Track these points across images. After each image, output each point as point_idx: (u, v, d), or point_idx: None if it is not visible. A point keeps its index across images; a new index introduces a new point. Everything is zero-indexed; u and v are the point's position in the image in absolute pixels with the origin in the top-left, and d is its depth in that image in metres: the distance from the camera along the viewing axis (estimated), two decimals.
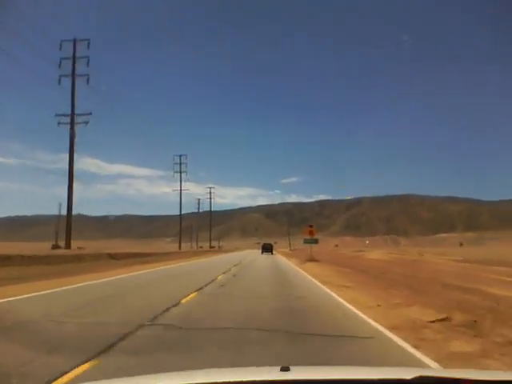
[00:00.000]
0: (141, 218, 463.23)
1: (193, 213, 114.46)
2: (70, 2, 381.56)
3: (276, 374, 2.19)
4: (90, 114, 42.28)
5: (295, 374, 2.24)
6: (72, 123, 41.14)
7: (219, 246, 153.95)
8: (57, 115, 42.47)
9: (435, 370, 4.61)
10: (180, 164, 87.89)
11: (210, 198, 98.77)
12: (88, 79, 42.51)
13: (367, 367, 3.65)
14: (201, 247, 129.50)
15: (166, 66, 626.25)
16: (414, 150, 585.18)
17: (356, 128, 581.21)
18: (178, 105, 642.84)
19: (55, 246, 74.12)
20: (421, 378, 2.03)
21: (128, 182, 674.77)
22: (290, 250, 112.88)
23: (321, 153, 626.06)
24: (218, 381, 2.13)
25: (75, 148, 42.46)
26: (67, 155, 42.75)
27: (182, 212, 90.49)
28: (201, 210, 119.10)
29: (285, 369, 2.25)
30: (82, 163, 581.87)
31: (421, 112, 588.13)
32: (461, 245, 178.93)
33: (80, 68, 42.39)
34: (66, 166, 43.41)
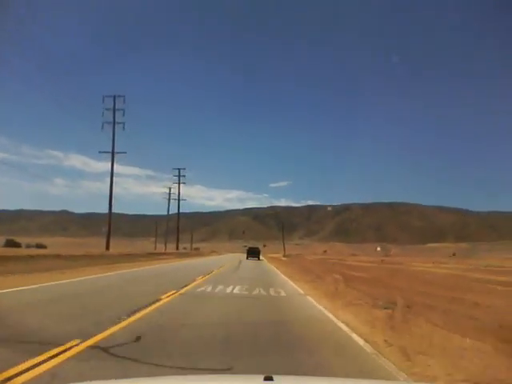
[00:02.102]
0: (127, 217, 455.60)
1: (180, 213, 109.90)
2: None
3: (259, 383, 2.10)
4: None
5: (278, 383, 2.13)
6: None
7: (195, 248, 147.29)
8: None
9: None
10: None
11: (179, 199, 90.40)
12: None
13: (354, 379, 3.75)
14: (184, 248, 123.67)
15: (156, 69, 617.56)
16: (403, 157, 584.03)
17: (346, 134, 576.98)
18: (166, 106, 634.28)
19: (38, 246, 67.23)
20: None
21: (115, 181, 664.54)
22: (284, 255, 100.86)
23: (310, 158, 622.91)
24: None
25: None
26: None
27: (170, 212, 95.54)
28: (188, 211, 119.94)
29: (268, 378, 2.16)
30: (69, 160, 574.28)
31: (412, 120, 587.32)
32: (453, 255, 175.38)
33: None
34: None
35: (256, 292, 15.32)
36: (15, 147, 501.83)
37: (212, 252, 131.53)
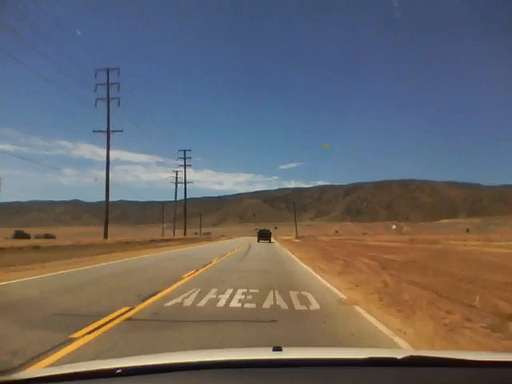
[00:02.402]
0: (137, 204, 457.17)
1: (189, 198, 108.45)
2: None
3: (269, 354, 2.23)
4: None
5: (287, 353, 2.30)
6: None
7: (206, 233, 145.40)
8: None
9: (425, 350, 3.70)
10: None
11: (185, 182, 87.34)
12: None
13: (357, 348, 4.07)
14: (196, 233, 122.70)
15: (166, 57, 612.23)
16: (413, 134, 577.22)
17: (355, 114, 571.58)
18: (176, 92, 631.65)
19: (46, 236, 66.90)
20: (411, 357, 2.06)
21: (125, 169, 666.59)
22: (297, 237, 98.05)
23: (320, 139, 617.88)
24: (210, 360, 2.16)
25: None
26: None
27: (179, 198, 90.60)
28: (198, 196, 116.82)
29: (277, 349, 2.29)
30: (79, 149, 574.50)
31: (421, 97, 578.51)
32: (467, 231, 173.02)
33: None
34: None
35: (269, 303, 8.82)
36: (25, 139, 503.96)
37: (221, 236, 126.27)
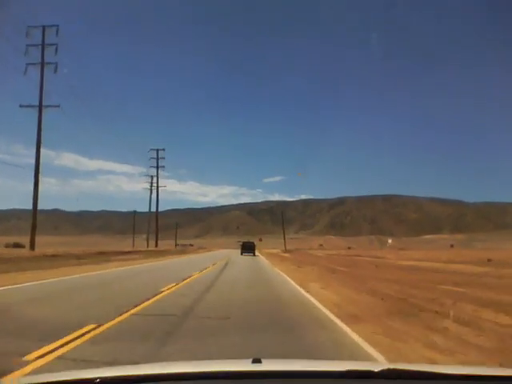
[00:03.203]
0: (120, 214, 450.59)
1: (172, 210, 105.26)
2: None
3: (248, 366, 2.22)
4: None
5: (267, 365, 2.28)
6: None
7: (190, 244, 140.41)
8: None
9: (402, 364, 3.27)
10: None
11: (157, 186, 78.43)
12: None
13: (336, 361, 4.08)
14: (177, 245, 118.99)
15: (148, 64, 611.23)
16: (398, 150, 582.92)
17: (339, 128, 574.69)
18: (160, 102, 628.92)
19: (15, 245, 64.13)
20: (389, 370, 2.05)
21: (108, 178, 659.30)
22: (285, 250, 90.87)
23: (303, 152, 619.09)
24: (189, 371, 2.17)
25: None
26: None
27: (162, 209, 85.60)
28: (183, 207, 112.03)
29: (256, 361, 2.27)
30: (61, 158, 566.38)
31: (407, 112, 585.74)
32: (451, 246, 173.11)
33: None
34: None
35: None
36: (7, 146, 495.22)
37: (199, 249, 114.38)
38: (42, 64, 38.54)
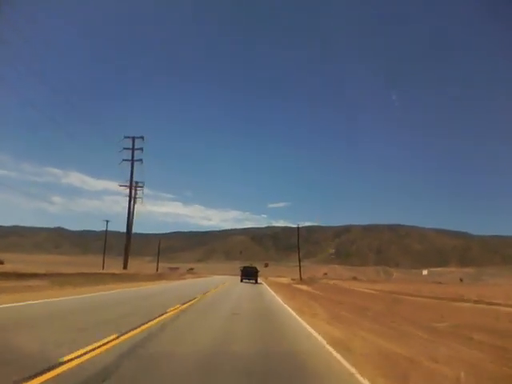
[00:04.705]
0: (121, 235, 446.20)
1: (174, 232, 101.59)
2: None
3: None
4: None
5: None
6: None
7: (190, 269, 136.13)
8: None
9: None
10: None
11: (130, 186, 66.04)
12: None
13: None
14: (171, 268, 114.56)
15: (154, 93, 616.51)
16: (403, 179, 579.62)
17: (346, 156, 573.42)
18: (165, 122, 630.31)
19: None
20: None
21: (113, 199, 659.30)
22: (301, 280, 78.70)
23: (309, 179, 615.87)
24: None
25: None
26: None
27: (166, 231, 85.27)
28: (187, 230, 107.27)
29: None
30: (68, 177, 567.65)
31: (412, 143, 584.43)
32: (461, 280, 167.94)
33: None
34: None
35: None
36: (16, 164, 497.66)
37: (186, 274, 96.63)
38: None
